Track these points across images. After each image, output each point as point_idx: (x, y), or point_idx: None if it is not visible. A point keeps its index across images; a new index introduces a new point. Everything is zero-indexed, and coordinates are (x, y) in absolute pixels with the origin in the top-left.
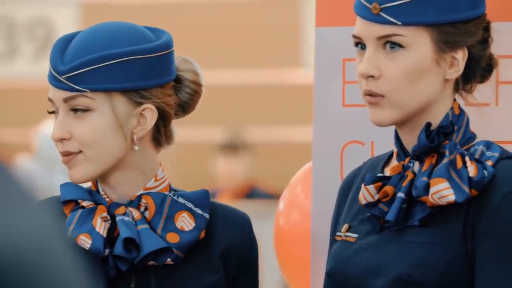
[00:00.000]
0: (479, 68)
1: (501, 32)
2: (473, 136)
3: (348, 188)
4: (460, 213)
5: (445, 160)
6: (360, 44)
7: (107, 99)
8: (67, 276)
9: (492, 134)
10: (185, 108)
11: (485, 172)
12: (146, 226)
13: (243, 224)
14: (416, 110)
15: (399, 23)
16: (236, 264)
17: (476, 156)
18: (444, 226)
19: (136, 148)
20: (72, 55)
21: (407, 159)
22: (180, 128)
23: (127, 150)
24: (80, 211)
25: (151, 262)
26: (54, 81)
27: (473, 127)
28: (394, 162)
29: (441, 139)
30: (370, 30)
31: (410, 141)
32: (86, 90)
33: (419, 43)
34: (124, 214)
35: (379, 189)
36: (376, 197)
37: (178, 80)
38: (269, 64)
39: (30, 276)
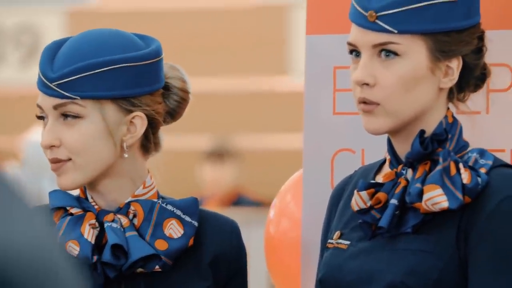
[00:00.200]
0: (473, 77)
1: (492, 40)
2: (466, 145)
3: (339, 196)
4: (453, 220)
5: (439, 167)
6: (354, 51)
7: (97, 107)
8: (68, 286)
9: (483, 142)
10: (172, 115)
11: (479, 179)
12: (135, 233)
13: (232, 232)
14: (410, 118)
15: (395, 31)
16: (225, 272)
17: (470, 163)
18: (437, 233)
19: (126, 155)
20: (62, 62)
21: (400, 167)
22: (167, 135)
23: (116, 158)
24: (68, 218)
25: (139, 269)
26: (44, 87)
27: (464, 135)
28: (386, 170)
29: (435, 146)
30: (366, 38)
31: (403, 149)
32: (76, 97)
33: (414, 51)
34: (113, 221)
35: (371, 196)
36: (369, 203)
37: (166, 88)
38: (256, 71)
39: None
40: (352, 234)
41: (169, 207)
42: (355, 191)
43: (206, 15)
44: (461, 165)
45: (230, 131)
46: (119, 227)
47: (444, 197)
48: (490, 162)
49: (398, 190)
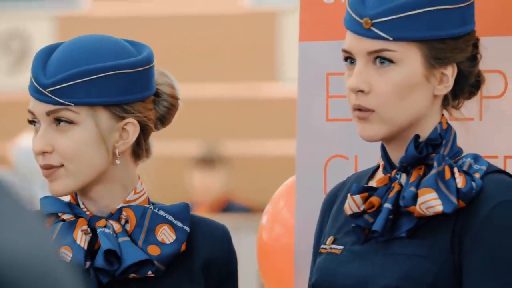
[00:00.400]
0: (467, 85)
1: (486, 47)
2: (459, 151)
3: (332, 202)
4: (447, 225)
5: (433, 171)
6: (349, 58)
7: (90, 113)
8: None
9: (476, 148)
10: (162, 121)
11: (474, 184)
12: (127, 238)
13: (223, 236)
14: (405, 125)
15: (390, 38)
16: (217, 276)
17: (464, 168)
18: (431, 238)
19: (118, 162)
20: (55, 68)
21: (394, 171)
22: (157, 141)
23: (108, 164)
24: (60, 224)
25: (132, 275)
26: (37, 93)
27: (458, 142)
28: (379, 175)
29: (430, 151)
30: (361, 45)
31: (397, 155)
32: (70, 103)
33: (409, 58)
34: (105, 226)
35: (365, 200)
36: (362, 207)
37: (156, 94)
38: (246, 77)
39: None
40: (346, 239)
41: (161, 213)
42: (349, 195)
43: (196, 21)
44: (455, 170)
45: (219, 137)
46: (111, 232)
47: (439, 201)
48: (484, 168)
49: (391, 194)
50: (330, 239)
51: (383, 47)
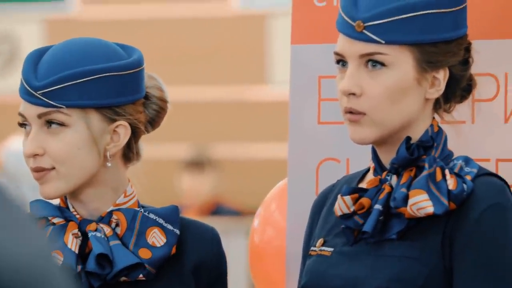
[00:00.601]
0: (459, 88)
1: (477, 50)
2: (450, 154)
3: (322, 204)
4: (438, 226)
5: (425, 173)
6: (341, 61)
7: (82, 116)
8: None
9: (468, 151)
10: (151, 124)
11: (465, 186)
12: (118, 242)
13: (212, 239)
14: (396, 128)
15: (383, 41)
16: (207, 279)
17: (456, 170)
18: (422, 240)
19: (109, 164)
20: (46, 70)
21: (385, 173)
22: (146, 144)
23: (99, 167)
24: (51, 228)
25: (123, 278)
26: (28, 96)
27: (449, 145)
28: (370, 177)
29: (421, 153)
30: (353, 48)
31: (388, 158)
32: (62, 106)
33: (401, 62)
34: (96, 230)
35: (355, 201)
36: (352, 208)
37: (145, 97)
38: (235, 80)
39: None
40: (336, 241)
41: (152, 216)
42: (339, 196)
43: (186, 24)
44: (447, 171)
45: (208, 140)
46: (103, 236)
47: (430, 202)
48: (475, 170)
49: (382, 196)
50: (320, 241)
51: (375, 50)
